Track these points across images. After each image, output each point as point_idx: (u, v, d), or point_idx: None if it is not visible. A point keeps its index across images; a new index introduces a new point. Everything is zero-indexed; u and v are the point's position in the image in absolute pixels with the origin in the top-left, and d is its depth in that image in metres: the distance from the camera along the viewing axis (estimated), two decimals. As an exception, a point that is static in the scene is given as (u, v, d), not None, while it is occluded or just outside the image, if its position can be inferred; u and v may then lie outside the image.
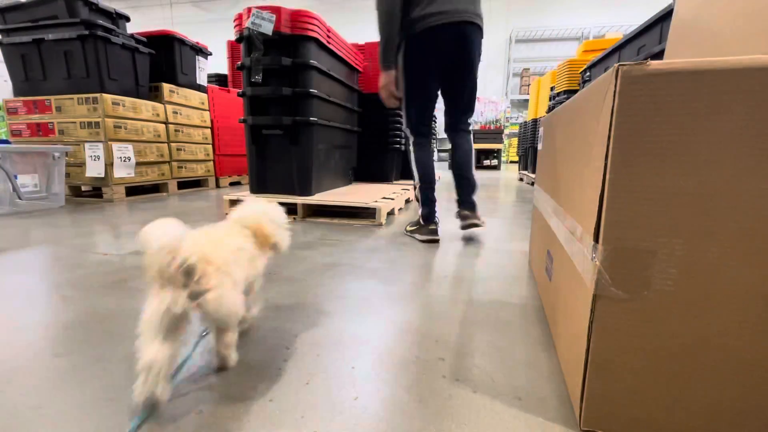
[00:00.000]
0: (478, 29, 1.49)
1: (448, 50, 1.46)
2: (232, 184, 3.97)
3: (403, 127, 1.65)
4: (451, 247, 1.53)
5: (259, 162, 2.21)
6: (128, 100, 2.68)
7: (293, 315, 0.90)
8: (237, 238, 0.69)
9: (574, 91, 3.52)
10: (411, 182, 3.26)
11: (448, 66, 1.51)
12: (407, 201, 2.78)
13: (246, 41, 2.04)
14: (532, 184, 4.18)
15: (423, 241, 1.59)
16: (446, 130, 1.70)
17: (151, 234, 0.53)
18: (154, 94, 3.05)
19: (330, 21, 2.32)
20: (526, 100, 9.14)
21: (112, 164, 2.59)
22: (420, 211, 1.65)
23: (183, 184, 3.37)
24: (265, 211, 0.78)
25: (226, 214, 2.18)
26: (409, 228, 1.72)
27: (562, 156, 0.78)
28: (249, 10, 1.97)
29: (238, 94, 2.17)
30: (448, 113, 1.67)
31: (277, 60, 2.00)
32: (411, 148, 1.63)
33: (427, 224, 1.61)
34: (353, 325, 0.85)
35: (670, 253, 0.46)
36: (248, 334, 0.80)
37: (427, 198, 1.63)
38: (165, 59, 3.14)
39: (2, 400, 0.59)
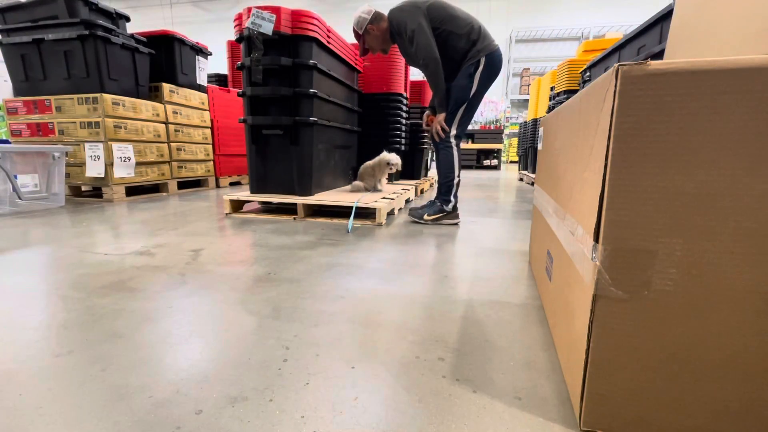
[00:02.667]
0: None
1: (500, 67, 1.90)
2: (232, 184, 3.97)
3: (452, 135, 1.92)
4: (451, 247, 1.53)
5: (259, 162, 2.21)
6: (128, 100, 2.68)
7: (293, 315, 0.90)
8: (397, 157, 2.38)
9: (574, 91, 3.52)
10: (411, 182, 3.25)
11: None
12: (407, 201, 2.78)
13: (246, 41, 2.04)
14: (532, 184, 4.18)
15: (452, 224, 1.98)
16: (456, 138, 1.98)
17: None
18: (154, 94, 3.05)
19: (330, 21, 2.32)
20: (526, 100, 9.15)
21: (112, 164, 2.59)
22: (452, 201, 1.96)
23: (183, 184, 3.37)
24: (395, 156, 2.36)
25: (227, 214, 2.19)
26: (429, 216, 1.97)
27: (562, 156, 0.78)
28: (249, 10, 1.97)
29: (238, 94, 2.17)
30: (465, 125, 2.02)
31: (277, 60, 2.00)
32: (455, 150, 1.93)
33: (455, 211, 1.98)
34: (353, 325, 0.85)
35: (670, 253, 0.46)
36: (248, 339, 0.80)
37: (457, 189, 1.98)
38: (165, 59, 3.14)
39: (2, 400, 0.59)
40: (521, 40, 9.37)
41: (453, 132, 1.90)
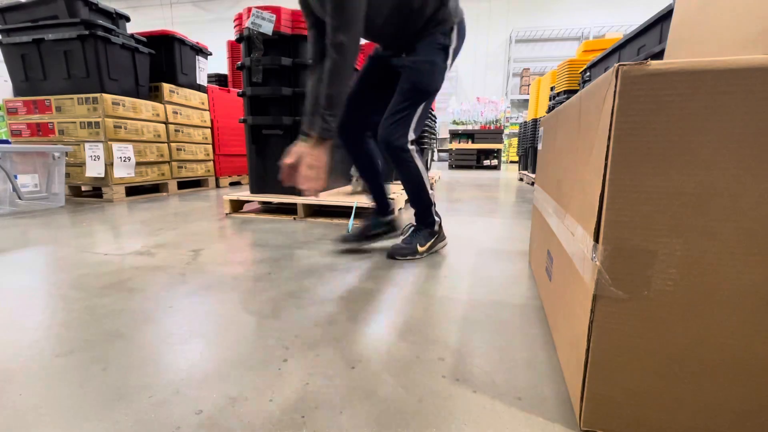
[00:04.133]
0: None
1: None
2: (232, 184, 3.97)
3: (410, 134, 1.27)
4: (451, 248, 1.53)
5: (259, 162, 2.21)
6: (128, 100, 2.68)
7: (293, 315, 0.90)
8: None
9: (574, 91, 3.52)
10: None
11: None
12: (407, 201, 2.78)
13: (246, 41, 2.04)
14: (532, 184, 4.18)
15: (443, 247, 1.50)
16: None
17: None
18: (154, 94, 3.05)
19: (330, 21, 2.31)
20: (526, 100, 9.15)
21: (112, 164, 2.59)
22: (438, 220, 1.45)
23: (183, 184, 3.37)
24: None
25: (227, 214, 2.19)
26: (422, 248, 1.39)
27: (562, 156, 0.78)
28: (249, 10, 1.97)
29: (238, 94, 2.17)
30: (422, 125, 1.37)
31: (277, 60, 2.00)
32: (417, 158, 1.31)
33: (441, 230, 1.48)
34: (353, 325, 0.85)
35: (670, 253, 0.46)
36: (247, 338, 0.80)
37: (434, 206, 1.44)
38: (165, 59, 3.14)
39: (2, 400, 0.59)
40: (521, 40, 9.37)
41: (411, 137, 1.27)
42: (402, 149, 1.26)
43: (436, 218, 1.44)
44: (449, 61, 1.27)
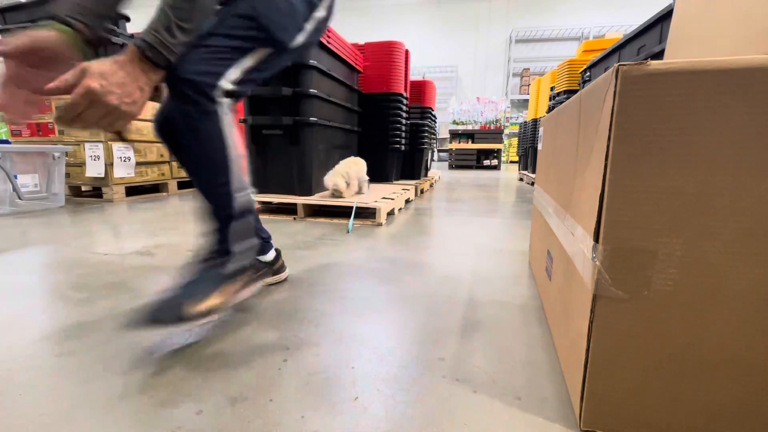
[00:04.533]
0: None
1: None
2: (232, 184, 3.97)
3: (227, 74, 0.73)
4: (451, 247, 1.53)
5: (259, 162, 2.21)
6: (128, 100, 2.67)
7: (293, 315, 0.90)
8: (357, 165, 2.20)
9: (574, 91, 3.52)
10: (411, 182, 3.24)
11: None
12: (407, 201, 2.78)
13: (246, 41, 2.03)
14: (532, 184, 4.18)
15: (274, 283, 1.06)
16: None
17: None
18: (155, 94, 3.05)
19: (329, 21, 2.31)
20: (526, 100, 9.16)
21: (112, 164, 2.59)
22: (255, 247, 0.91)
23: (183, 184, 3.37)
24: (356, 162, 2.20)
25: (226, 214, 2.19)
26: (201, 305, 0.74)
27: (562, 156, 0.78)
28: (249, 9, 1.96)
29: (238, 94, 2.17)
30: (255, 80, 0.85)
31: (277, 60, 1.99)
32: (227, 115, 0.76)
33: (277, 261, 1.05)
34: (353, 325, 0.85)
35: (670, 253, 0.46)
36: (252, 336, 0.80)
37: (257, 218, 0.93)
38: (165, 59, 3.14)
39: (2, 400, 0.59)
40: (521, 40, 9.37)
41: (231, 75, 0.73)
42: (204, 94, 0.71)
43: (257, 239, 0.88)
44: (309, 26, 0.85)
